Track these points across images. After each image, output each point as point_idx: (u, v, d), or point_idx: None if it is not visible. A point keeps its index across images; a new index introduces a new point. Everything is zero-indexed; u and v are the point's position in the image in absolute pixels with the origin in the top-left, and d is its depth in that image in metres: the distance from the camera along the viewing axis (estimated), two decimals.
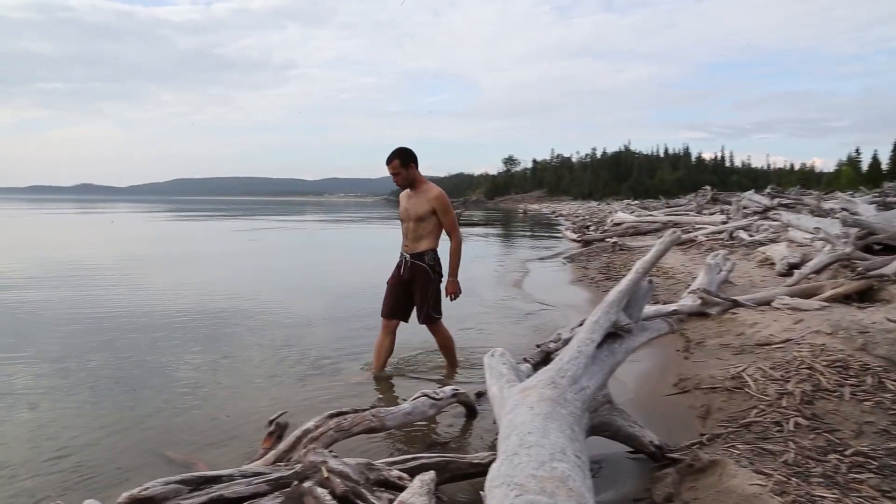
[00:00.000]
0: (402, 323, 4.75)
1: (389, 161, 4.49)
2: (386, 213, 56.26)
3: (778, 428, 3.10)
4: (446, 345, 4.84)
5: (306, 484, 2.17)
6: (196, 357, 5.38)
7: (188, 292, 8.95)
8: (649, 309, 5.17)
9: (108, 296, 8.59)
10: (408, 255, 4.63)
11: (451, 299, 4.70)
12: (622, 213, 24.77)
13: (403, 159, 4.50)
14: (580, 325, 5.13)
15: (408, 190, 4.63)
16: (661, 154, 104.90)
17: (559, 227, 26.10)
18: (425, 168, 4.80)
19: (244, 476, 2.26)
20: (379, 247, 18.41)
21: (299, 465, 2.33)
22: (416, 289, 4.62)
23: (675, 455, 2.96)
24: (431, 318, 4.64)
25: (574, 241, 18.88)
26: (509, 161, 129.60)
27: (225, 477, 2.23)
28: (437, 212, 4.52)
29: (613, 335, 3.22)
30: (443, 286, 4.69)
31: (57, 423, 3.81)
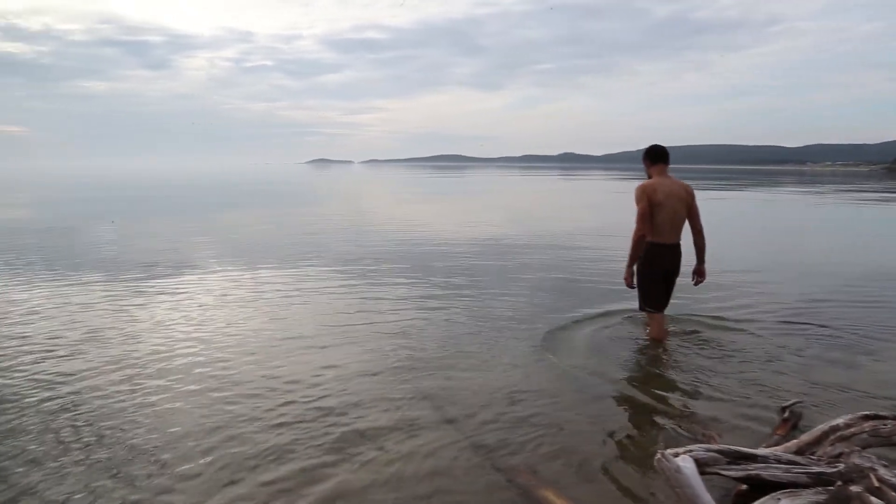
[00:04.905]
0: None
1: None
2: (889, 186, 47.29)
3: None
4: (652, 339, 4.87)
5: (853, 488, 2.05)
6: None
7: None
8: None
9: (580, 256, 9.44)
10: None
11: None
12: None
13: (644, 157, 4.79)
14: None
15: None
16: None
17: None
18: None
19: (779, 461, 2.25)
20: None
21: (843, 466, 2.21)
22: None
23: None
24: (640, 304, 4.80)
25: None
26: None
27: (760, 457, 2.26)
28: None
29: None
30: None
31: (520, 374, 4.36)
